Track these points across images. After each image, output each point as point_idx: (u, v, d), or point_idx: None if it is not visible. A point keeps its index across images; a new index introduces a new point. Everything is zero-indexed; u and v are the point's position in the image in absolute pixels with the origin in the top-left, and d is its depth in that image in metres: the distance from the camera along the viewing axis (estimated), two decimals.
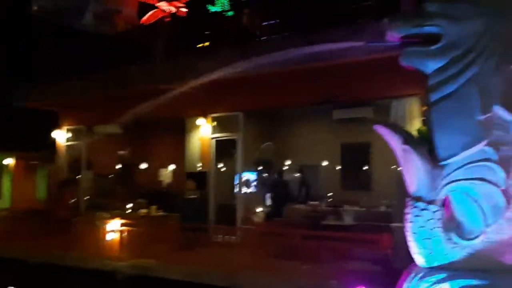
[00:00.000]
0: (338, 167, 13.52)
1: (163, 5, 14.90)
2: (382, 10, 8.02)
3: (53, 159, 15.29)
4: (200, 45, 11.87)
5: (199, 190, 12.20)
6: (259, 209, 12.11)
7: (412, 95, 8.95)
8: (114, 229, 10.63)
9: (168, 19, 13.99)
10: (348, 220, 9.67)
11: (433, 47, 3.00)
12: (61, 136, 14.83)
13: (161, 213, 12.15)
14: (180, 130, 13.40)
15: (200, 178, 12.37)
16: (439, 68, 2.98)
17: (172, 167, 15.04)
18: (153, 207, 12.27)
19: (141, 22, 15.04)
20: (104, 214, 12.03)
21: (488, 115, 2.89)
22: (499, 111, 2.90)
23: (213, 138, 12.29)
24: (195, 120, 12.52)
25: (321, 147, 13.29)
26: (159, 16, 14.67)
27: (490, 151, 2.90)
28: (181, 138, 13.48)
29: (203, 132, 12.42)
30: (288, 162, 14.08)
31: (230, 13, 12.83)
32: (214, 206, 12.04)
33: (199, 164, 12.84)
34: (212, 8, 13.61)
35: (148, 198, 12.95)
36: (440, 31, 2.99)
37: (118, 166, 15.68)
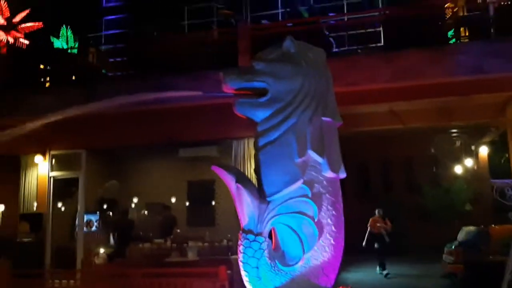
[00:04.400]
0: (185, 204, 13.73)
1: None
2: (221, 61, 8.65)
3: None
4: (41, 80, 11.26)
5: (34, 232, 11.32)
6: (101, 250, 11.65)
7: (250, 137, 9.73)
8: None
9: (4, 50, 13.01)
10: (191, 255, 9.90)
11: (260, 100, 3.40)
12: None
13: None
14: (14, 168, 12.34)
15: (35, 219, 11.50)
16: (266, 117, 3.38)
17: (1, 208, 13.62)
18: None
19: None
20: None
21: (304, 158, 3.31)
22: (313, 154, 3.37)
23: (52, 176, 11.61)
24: (32, 158, 11.71)
25: (168, 185, 13.39)
26: None
27: (306, 189, 3.31)
28: (15, 177, 12.40)
29: (41, 170, 11.65)
30: (134, 200, 13.84)
31: (75, 50, 12.49)
32: (51, 249, 11.26)
33: (35, 205, 11.94)
34: (56, 42, 13.07)
35: None
36: (266, 87, 3.40)
37: None
